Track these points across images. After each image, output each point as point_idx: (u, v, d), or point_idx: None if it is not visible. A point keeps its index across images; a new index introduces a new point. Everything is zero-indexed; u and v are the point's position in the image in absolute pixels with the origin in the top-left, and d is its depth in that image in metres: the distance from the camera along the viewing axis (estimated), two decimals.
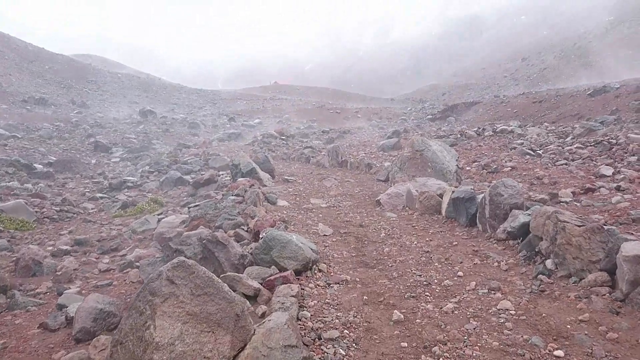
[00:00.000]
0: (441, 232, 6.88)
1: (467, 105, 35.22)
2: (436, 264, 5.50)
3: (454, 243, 6.26)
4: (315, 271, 5.31)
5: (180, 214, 9.95)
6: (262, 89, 61.10)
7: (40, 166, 16.34)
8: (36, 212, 10.72)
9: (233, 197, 9.16)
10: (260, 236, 6.44)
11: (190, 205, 10.05)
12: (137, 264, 6.90)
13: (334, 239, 6.79)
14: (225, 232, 7.39)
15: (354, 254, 6.08)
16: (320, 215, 8.36)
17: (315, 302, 4.50)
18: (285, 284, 4.67)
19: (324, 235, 6.99)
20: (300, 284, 4.87)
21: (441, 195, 7.99)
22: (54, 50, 52.25)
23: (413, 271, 5.28)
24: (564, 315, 3.98)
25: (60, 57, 50.93)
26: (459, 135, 20.35)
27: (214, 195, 10.54)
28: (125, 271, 6.99)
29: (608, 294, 4.20)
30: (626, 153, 12.51)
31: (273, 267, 5.17)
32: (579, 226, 4.79)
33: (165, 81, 58.46)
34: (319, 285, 4.91)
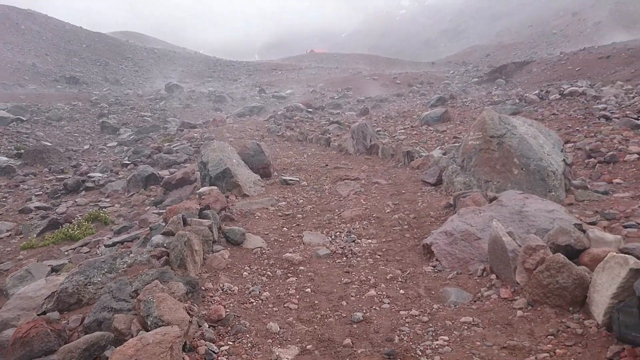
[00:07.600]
0: None
1: (517, 66, 29.10)
2: None
3: None
4: None
5: (104, 245, 5.56)
6: (298, 58, 55.59)
7: (4, 158, 12.35)
8: None
9: (159, 239, 4.63)
10: None
11: (106, 244, 5.61)
12: None
13: None
14: None
15: None
16: (309, 291, 3.71)
17: None
18: None
19: None
20: None
21: (573, 255, 3.14)
22: (92, 29, 48.66)
23: None
24: None
25: (97, 36, 47.24)
26: (517, 100, 14.99)
27: (155, 220, 6.03)
28: None
29: None
30: None
31: None
32: None
33: (202, 54, 53.94)
34: None
